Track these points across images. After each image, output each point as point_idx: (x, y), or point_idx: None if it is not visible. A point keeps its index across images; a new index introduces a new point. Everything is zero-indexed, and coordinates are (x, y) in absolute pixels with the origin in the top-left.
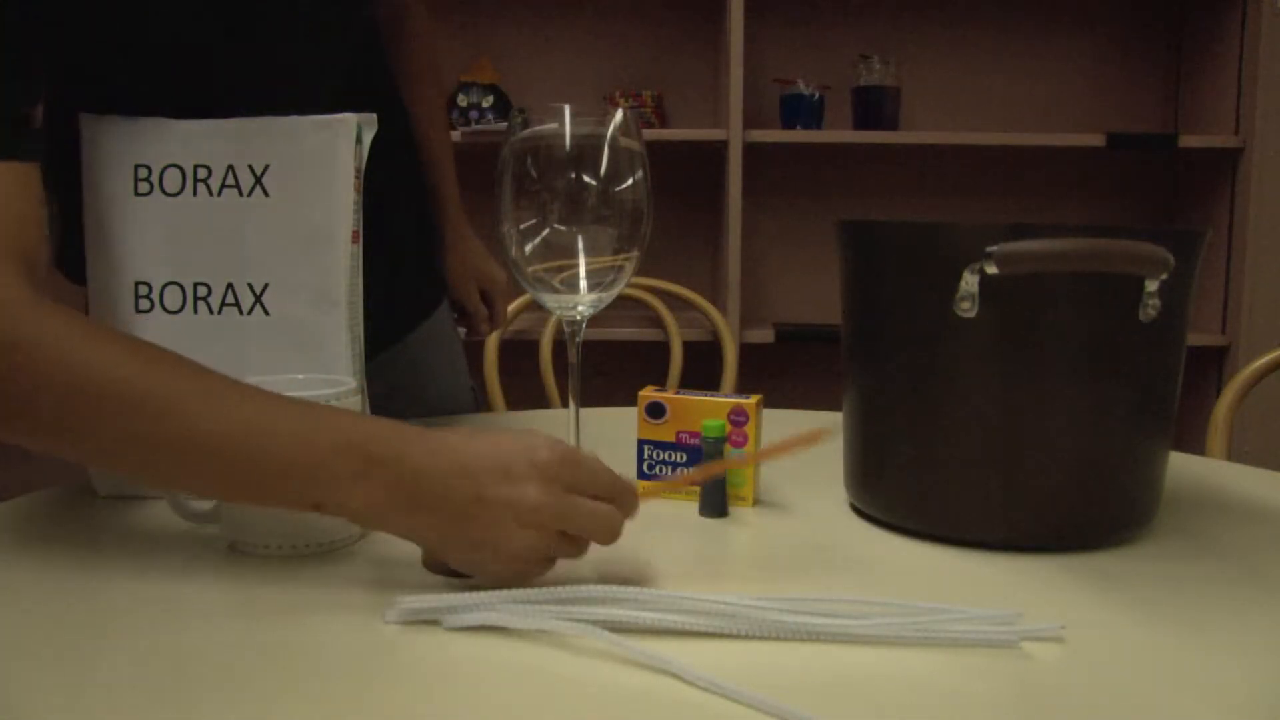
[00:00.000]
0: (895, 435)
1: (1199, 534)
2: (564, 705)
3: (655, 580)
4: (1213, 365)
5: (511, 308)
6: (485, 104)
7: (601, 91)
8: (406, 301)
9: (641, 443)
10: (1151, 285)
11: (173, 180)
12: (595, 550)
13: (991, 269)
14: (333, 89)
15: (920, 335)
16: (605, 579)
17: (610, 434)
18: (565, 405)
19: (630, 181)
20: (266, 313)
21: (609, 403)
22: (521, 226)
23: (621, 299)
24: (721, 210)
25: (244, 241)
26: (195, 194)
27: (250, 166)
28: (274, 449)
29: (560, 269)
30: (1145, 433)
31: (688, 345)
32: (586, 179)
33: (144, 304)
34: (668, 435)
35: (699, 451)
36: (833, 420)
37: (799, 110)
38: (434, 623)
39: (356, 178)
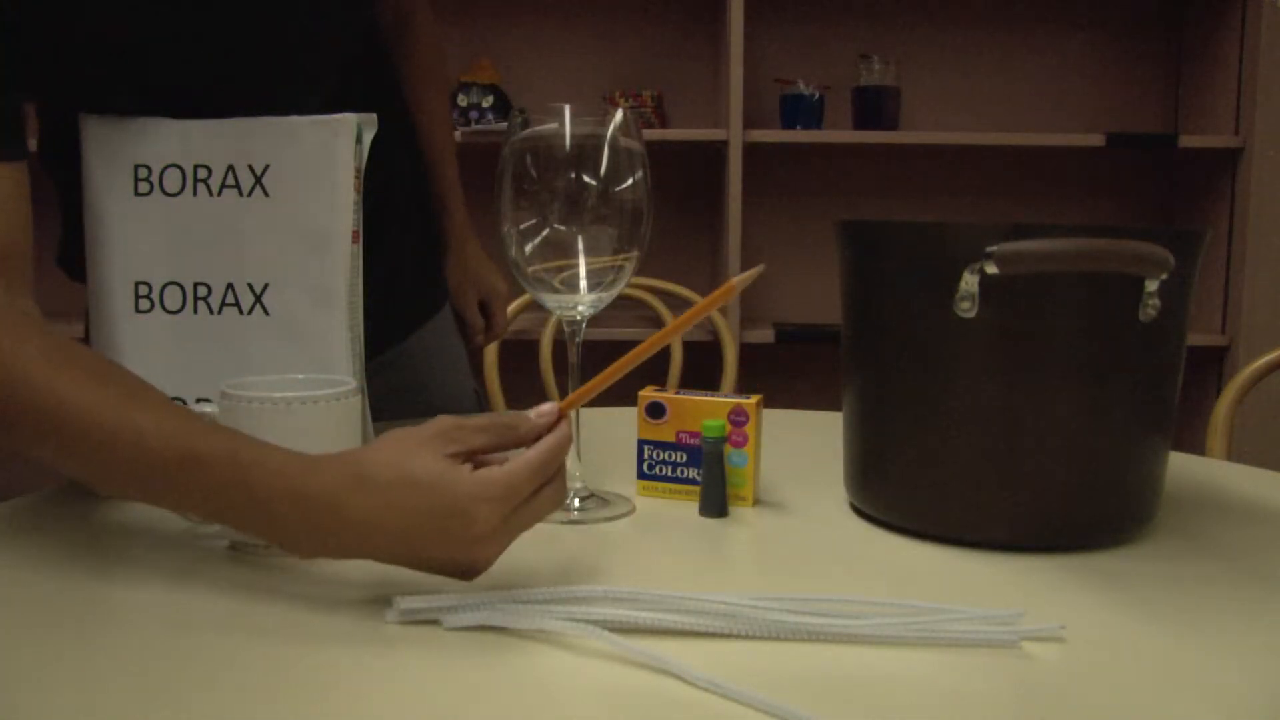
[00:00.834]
0: (895, 435)
1: (1199, 534)
2: (564, 705)
3: (655, 580)
4: (1213, 365)
5: (511, 308)
6: (485, 104)
7: (601, 91)
8: (408, 302)
9: (641, 443)
10: (1151, 285)
11: (173, 180)
12: (595, 550)
13: (992, 269)
14: (333, 89)
15: (920, 335)
16: (605, 579)
17: (610, 434)
18: None
19: (630, 181)
20: (266, 312)
21: (609, 403)
22: (521, 226)
23: (621, 299)
24: (721, 210)
25: (244, 241)
26: (195, 194)
27: (250, 166)
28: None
29: (560, 269)
30: (1145, 433)
31: (688, 345)
32: (586, 179)
33: (144, 304)
34: (668, 435)
35: (699, 451)
36: (832, 419)
37: (799, 110)
38: (434, 623)
39: (356, 178)
